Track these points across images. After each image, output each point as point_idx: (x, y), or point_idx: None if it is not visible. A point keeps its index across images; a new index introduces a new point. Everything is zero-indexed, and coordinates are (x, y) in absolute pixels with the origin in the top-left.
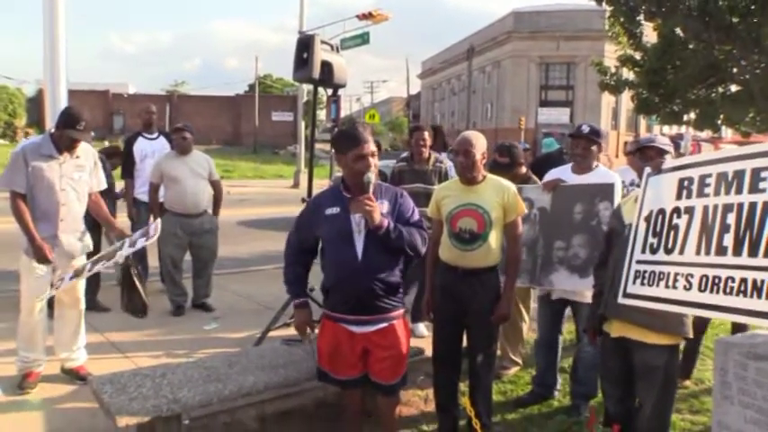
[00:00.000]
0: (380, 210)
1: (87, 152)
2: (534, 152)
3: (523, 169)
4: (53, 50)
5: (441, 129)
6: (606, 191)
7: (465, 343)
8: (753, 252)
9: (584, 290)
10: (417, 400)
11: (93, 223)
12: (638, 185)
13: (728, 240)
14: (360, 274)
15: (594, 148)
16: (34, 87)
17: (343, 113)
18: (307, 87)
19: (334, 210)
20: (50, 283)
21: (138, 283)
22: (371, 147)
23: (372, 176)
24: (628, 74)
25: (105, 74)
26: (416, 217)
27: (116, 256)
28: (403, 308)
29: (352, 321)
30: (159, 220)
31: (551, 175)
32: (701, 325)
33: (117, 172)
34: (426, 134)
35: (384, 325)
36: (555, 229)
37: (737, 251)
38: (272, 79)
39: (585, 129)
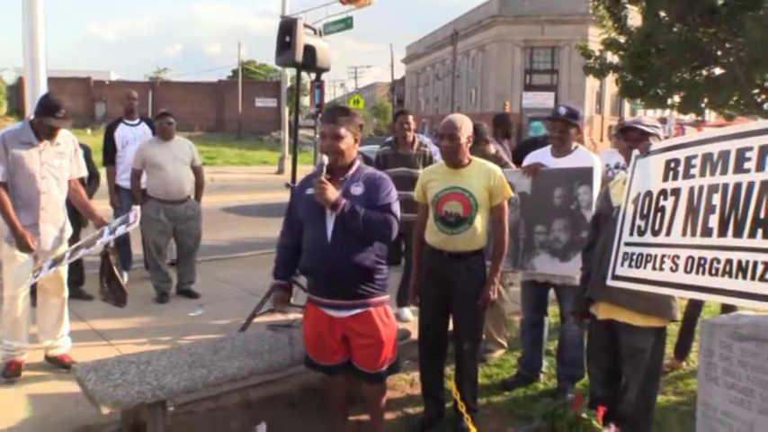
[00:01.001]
0: (355, 192)
1: (67, 139)
2: (519, 136)
3: (492, 149)
4: (32, 37)
5: (507, 118)
6: (585, 175)
7: (451, 327)
8: (738, 233)
9: (565, 273)
10: (403, 384)
11: (74, 210)
12: (624, 168)
13: (714, 221)
14: (330, 255)
15: (573, 130)
16: (14, 75)
17: (327, 99)
18: (290, 73)
19: (311, 190)
20: (32, 270)
21: (116, 272)
22: (335, 129)
23: (326, 159)
24: (612, 57)
25: (87, 61)
26: (386, 201)
27: (96, 244)
28: (384, 295)
29: (330, 305)
30: (139, 207)
31: (531, 158)
32: (696, 307)
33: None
34: (411, 118)
35: (360, 311)
36: (535, 213)
37: (723, 232)
38: (255, 65)
39: (563, 111)
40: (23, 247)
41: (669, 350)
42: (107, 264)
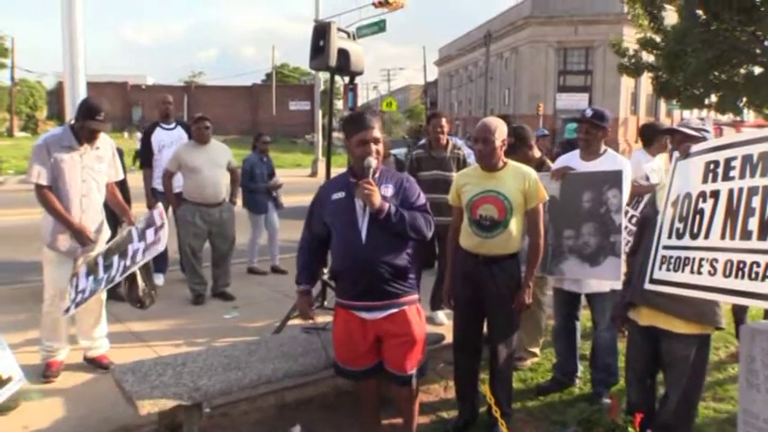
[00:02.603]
0: (386, 194)
1: (106, 143)
2: (554, 139)
3: (537, 153)
4: (71, 43)
5: (507, 119)
6: (614, 178)
7: (485, 331)
8: None
9: (595, 278)
10: (437, 388)
11: (111, 212)
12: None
13: (753, 224)
14: (364, 256)
15: (599, 132)
16: (54, 80)
17: (360, 102)
18: (324, 76)
19: (340, 194)
20: (72, 273)
21: (138, 275)
22: (375, 133)
23: (373, 161)
24: (647, 57)
25: (122, 66)
26: (421, 201)
27: (128, 249)
28: (415, 293)
29: (362, 308)
30: (161, 205)
31: (560, 162)
32: (740, 313)
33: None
34: (444, 120)
35: (394, 311)
36: (564, 217)
37: (762, 235)
38: (288, 68)
39: (589, 113)
40: (84, 240)
41: (713, 357)
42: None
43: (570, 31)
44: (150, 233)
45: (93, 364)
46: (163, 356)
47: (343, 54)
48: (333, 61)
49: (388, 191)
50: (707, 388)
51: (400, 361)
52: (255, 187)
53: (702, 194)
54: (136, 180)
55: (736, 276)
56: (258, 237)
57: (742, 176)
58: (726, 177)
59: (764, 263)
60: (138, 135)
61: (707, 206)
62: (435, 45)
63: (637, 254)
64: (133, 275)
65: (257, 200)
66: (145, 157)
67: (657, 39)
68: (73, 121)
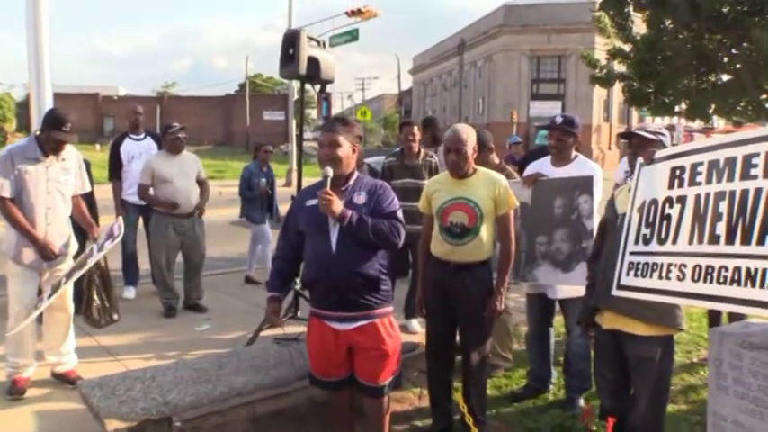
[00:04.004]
0: (358, 201)
1: (72, 154)
2: (527, 146)
3: (496, 159)
4: (37, 52)
5: (435, 122)
6: (585, 184)
7: (458, 339)
8: (746, 240)
9: (567, 284)
10: (411, 396)
11: (78, 226)
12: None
13: (721, 229)
14: (335, 266)
15: (570, 138)
16: (24, 91)
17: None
18: (298, 86)
19: (313, 202)
20: (38, 287)
21: (95, 295)
22: (333, 136)
23: (330, 170)
24: (618, 66)
25: (94, 77)
26: (393, 208)
27: (87, 263)
28: (389, 306)
29: (335, 318)
30: (121, 219)
31: (531, 168)
32: (715, 318)
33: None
34: (416, 129)
35: (365, 323)
36: (536, 224)
37: (730, 239)
38: (262, 78)
39: (559, 120)
40: (47, 254)
41: (685, 360)
42: (88, 285)
43: (543, 40)
44: (108, 244)
45: (61, 379)
46: (132, 370)
47: (314, 62)
48: (303, 69)
49: (361, 198)
50: (679, 391)
51: (372, 373)
52: (252, 195)
53: (669, 200)
54: (104, 192)
55: (705, 281)
56: (257, 246)
57: (709, 182)
58: (692, 183)
59: (732, 267)
60: None
61: (674, 212)
62: (410, 54)
63: (598, 258)
64: (89, 294)
65: (254, 208)
66: (113, 168)
67: (627, 48)
68: (38, 132)
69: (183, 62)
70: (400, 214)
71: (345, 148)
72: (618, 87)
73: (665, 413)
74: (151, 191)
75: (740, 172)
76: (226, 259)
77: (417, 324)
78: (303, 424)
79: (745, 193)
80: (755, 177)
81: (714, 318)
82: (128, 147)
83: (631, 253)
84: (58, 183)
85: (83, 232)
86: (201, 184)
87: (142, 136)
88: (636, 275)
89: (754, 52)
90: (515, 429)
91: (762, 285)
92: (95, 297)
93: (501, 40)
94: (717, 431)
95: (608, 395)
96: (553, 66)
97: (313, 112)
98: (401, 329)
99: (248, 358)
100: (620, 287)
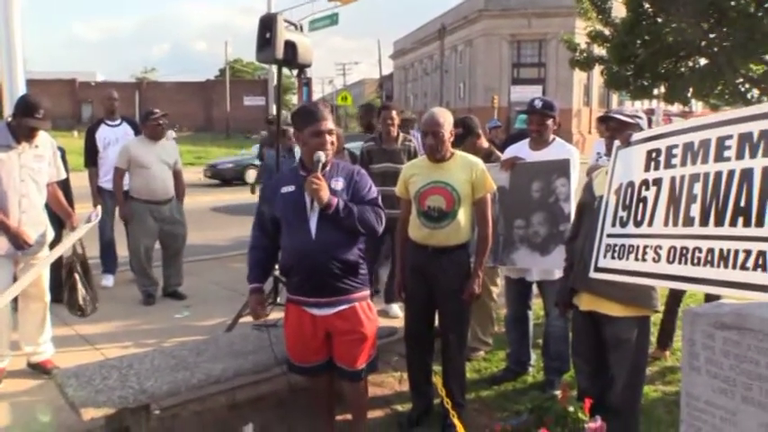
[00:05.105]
0: (336, 187)
1: (46, 141)
2: (507, 129)
3: (485, 143)
4: (8, 38)
5: (371, 107)
6: (562, 167)
7: (437, 322)
8: (719, 222)
9: (545, 267)
10: (392, 381)
11: (55, 213)
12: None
13: (695, 211)
14: (314, 252)
15: (549, 122)
16: None
17: (315, 96)
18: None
19: (290, 188)
20: (12, 276)
21: (79, 282)
22: (329, 124)
23: (323, 156)
24: (598, 50)
25: (71, 63)
26: (372, 195)
27: (64, 245)
28: (366, 290)
29: (313, 304)
30: (99, 207)
31: (509, 152)
32: (675, 297)
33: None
34: (394, 113)
35: (344, 307)
36: (514, 207)
37: (704, 221)
38: (242, 63)
39: (538, 104)
40: (20, 244)
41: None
42: (70, 273)
43: (524, 24)
44: (84, 226)
45: (38, 369)
46: (109, 359)
47: (291, 46)
48: (279, 53)
49: (339, 184)
50: (657, 372)
51: (350, 357)
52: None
53: (645, 182)
54: (81, 179)
55: (680, 262)
56: None
57: (683, 164)
58: (668, 165)
59: (706, 248)
60: None
61: (650, 194)
62: (390, 38)
63: (575, 240)
64: (74, 282)
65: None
66: (89, 155)
67: (606, 32)
68: (10, 119)
69: (163, 46)
70: (380, 200)
71: (336, 134)
72: (598, 71)
73: (641, 393)
74: (126, 176)
75: (714, 154)
76: (207, 246)
77: (398, 309)
78: (283, 409)
79: (718, 175)
80: (729, 159)
81: (675, 297)
82: (103, 133)
83: (608, 235)
84: (32, 170)
85: (59, 221)
86: (176, 174)
87: (118, 122)
88: (613, 258)
89: (730, 36)
90: (495, 412)
91: (734, 266)
92: (80, 287)
93: (481, 24)
94: (689, 410)
95: (586, 376)
96: (534, 50)
97: (294, 98)
98: (382, 314)
99: (227, 344)
100: (598, 269)
